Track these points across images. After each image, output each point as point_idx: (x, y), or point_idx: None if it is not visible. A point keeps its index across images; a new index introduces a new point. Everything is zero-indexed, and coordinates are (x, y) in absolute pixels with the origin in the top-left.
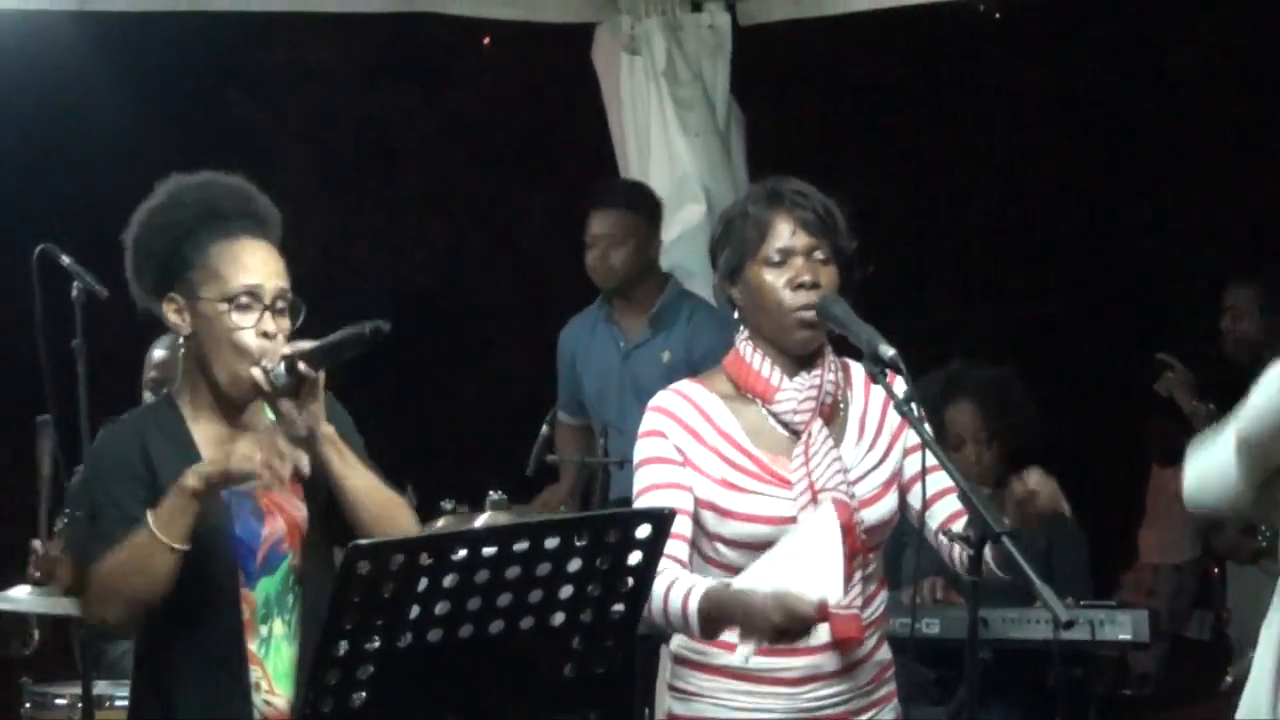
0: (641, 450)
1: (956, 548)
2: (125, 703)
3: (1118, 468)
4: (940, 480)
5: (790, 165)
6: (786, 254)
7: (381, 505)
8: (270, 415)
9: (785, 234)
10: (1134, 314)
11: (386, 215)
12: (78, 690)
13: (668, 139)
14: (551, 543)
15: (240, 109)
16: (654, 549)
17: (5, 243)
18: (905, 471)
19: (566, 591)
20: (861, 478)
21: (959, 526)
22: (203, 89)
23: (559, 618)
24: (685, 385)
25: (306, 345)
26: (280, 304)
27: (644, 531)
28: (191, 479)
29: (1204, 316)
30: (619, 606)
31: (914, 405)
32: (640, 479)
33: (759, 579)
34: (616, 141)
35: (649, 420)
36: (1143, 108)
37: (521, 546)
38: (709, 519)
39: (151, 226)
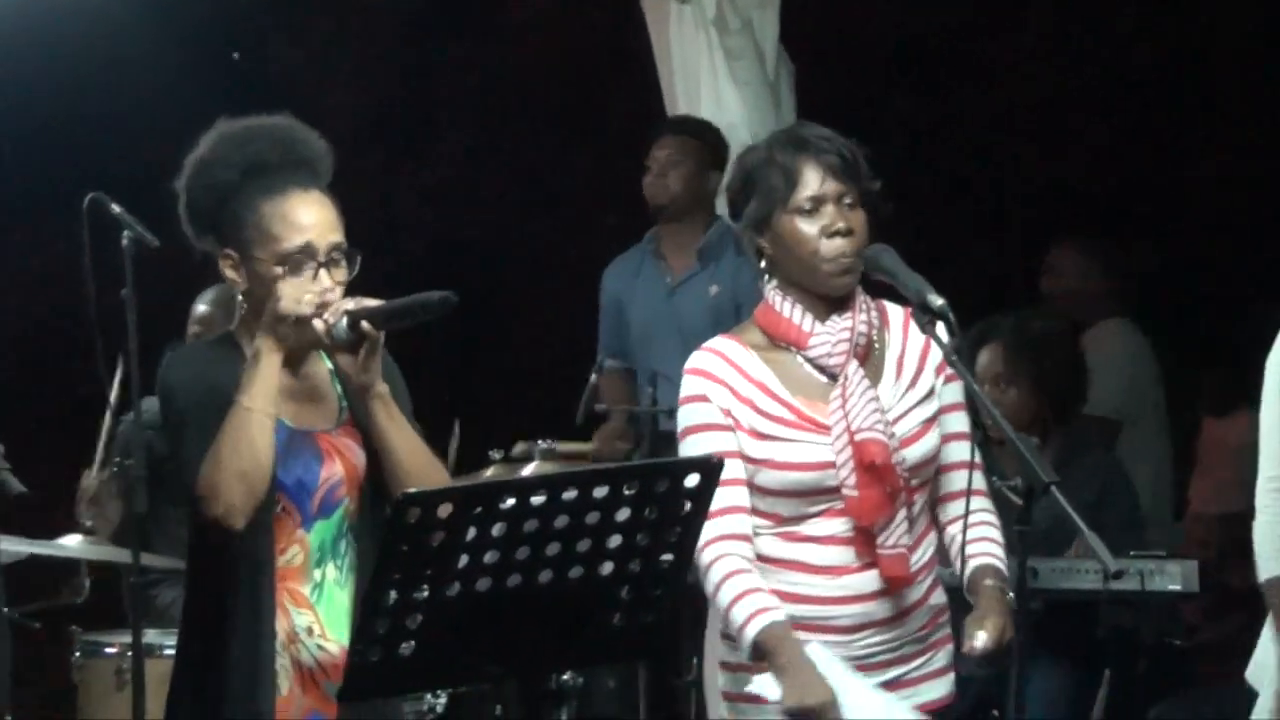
0: (687, 416)
1: (956, 538)
2: (173, 651)
3: (1175, 418)
4: (956, 452)
5: (839, 116)
6: (818, 202)
7: (420, 467)
8: (328, 363)
9: (814, 182)
10: (1195, 265)
11: (433, 168)
12: (127, 639)
13: (717, 88)
14: (600, 492)
15: (286, 62)
16: (703, 498)
17: (55, 195)
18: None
19: (615, 541)
20: (901, 417)
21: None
22: (248, 41)
23: (607, 567)
24: (718, 342)
25: (372, 304)
26: (335, 255)
27: (693, 481)
28: (260, 343)
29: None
30: (667, 556)
31: (961, 355)
32: (687, 448)
33: (827, 662)
34: (665, 92)
35: (690, 385)
36: (1197, 53)
37: (570, 496)
38: (748, 471)
39: (199, 182)
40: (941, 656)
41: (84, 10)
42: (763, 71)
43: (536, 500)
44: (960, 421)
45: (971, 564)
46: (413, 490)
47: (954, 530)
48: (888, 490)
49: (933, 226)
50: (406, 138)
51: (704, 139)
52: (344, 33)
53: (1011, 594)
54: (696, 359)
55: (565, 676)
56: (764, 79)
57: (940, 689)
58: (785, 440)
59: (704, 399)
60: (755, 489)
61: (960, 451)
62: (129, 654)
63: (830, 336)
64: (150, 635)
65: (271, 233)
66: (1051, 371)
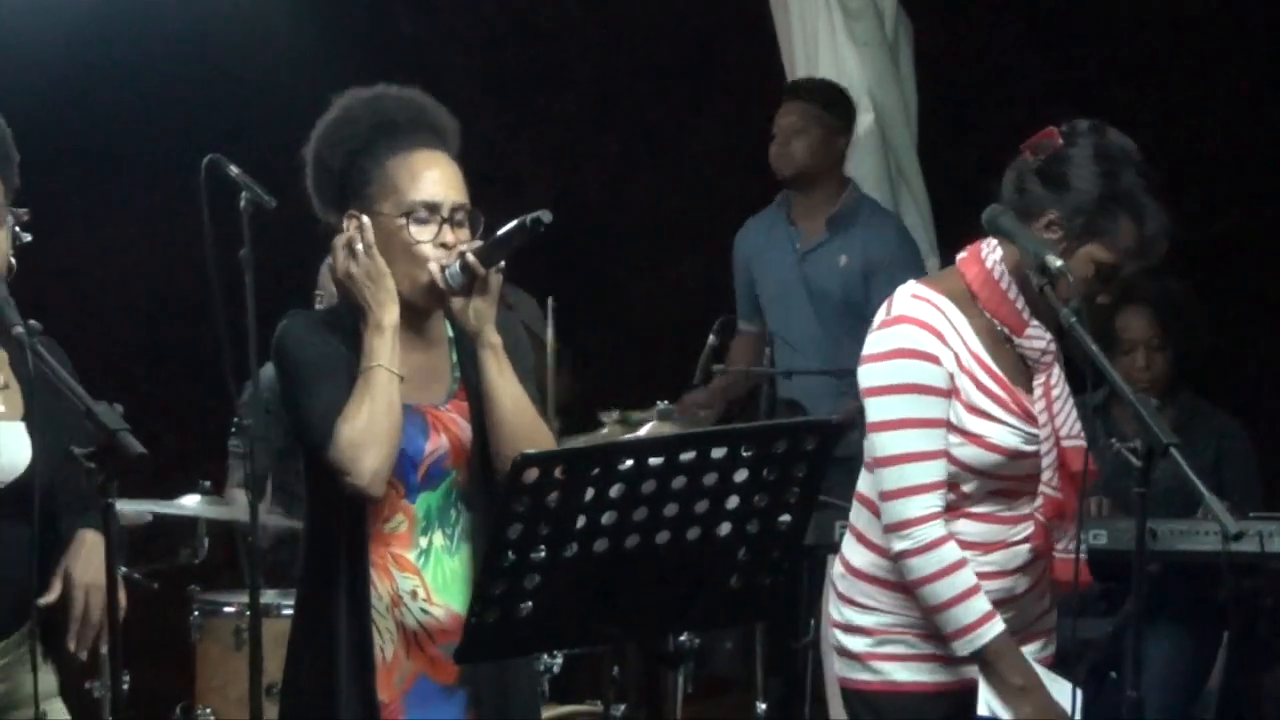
0: (910, 373)
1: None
2: (290, 612)
3: None
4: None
5: (958, 77)
6: (1114, 271)
7: (524, 424)
8: (449, 331)
9: (1119, 254)
10: None
11: (552, 129)
12: (245, 599)
13: (835, 49)
14: (718, 453)
15: (408, 25)
16: (821, 460)
17: (179, 160)
18: None
19: (733, 502)
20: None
21: None
22: (371, 10)
23: (725, 528)
24: (933, 295)
25: (476, 244)
26: (459, 216)
27: (811, 443)
28: (379, 315)
29: None
30: (785, 517)
31: (1081, 317)
32: (902, 407)
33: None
34: (784, 52)
35: (911, 336)
36: None
37: (688, 457)
38: (949, 443)
39: (328, 142)
40: (1050, 627)
41: None
42: (881, 31)
43: (654, 461)
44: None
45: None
46: (530, 451)
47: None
48: (1077, 494)
49: None
50: (526, 99)
51: (828, 104)
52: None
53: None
54: (916, 309)
55: (683, 638)
56: (883, 38)
57: (1048, 655)
58: (999, 422)
59: (934, 360)
60: (950, 460)
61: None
62: (247, 613)
63: (1045, 334)
64: (268, 595)
65: (397, 186)
66: (1193, 337)
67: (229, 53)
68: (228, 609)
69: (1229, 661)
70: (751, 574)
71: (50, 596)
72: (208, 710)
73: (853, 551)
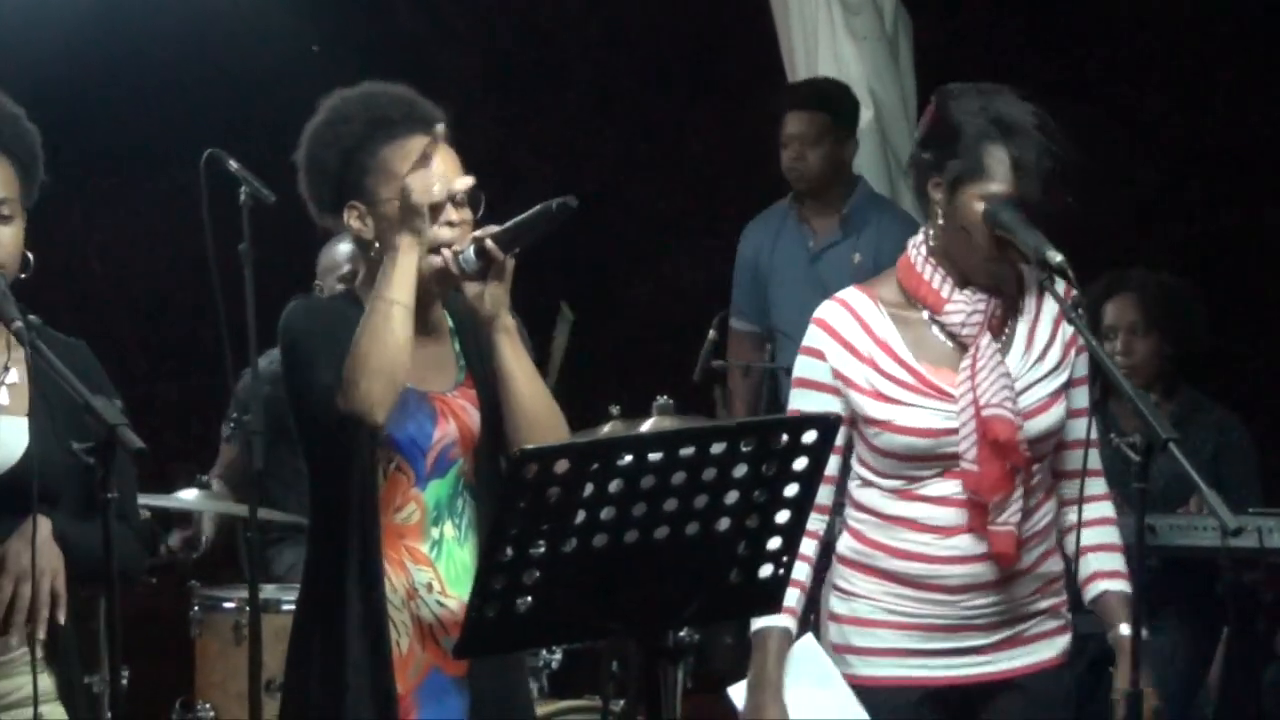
0: (800, 367)
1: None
2: (291, 606)
3: None
4: (1079, 429)
5: (957, 73)
6: (1007, 225)
7: (539, 410)
8: (450, 321)
9: (1008, 183)
10: None
11: (552, 124)
12: (245, 594)
13: (835, 44)
14: (718, 448)
15: (408, 22)
16: (820, 454)
17: (178, 155)
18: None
19: (732, 497)
20: (1027, 389)
21: None
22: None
23: (724, 523)
24: (849, 293)
25: (494, 229)
26: (459, 196)
27: (810, 437)
28: (398, 240)
29: None
30: (784, 512)
31: (1081, 311)
32: (793, 400)
33: (801, 699)
34: (784, 47)
35: (810, 335)
36: None
37: (688, 452)
38: (865, 431)
39: (321, 143)
40: (1053, 619)
41: None
42: (881, 25)
43: (654, 457)
44: (1084, 397)
45: (1096, 586)
46: (530, 447)
47: (1070, 516)
48: (1008, 467)
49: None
50: (525, 94)
51: (835, 111)
52: None
53: (1146, 632)
54: (824, 310)
55: (682, 633)
56: (882, 33)
57: (1051, 650)
58: (906, 404)
59: (819, 356)
60: (872, 449)
61: (1079, 428)
62: (247, 609)
63: (966, 306)
64: (268, 591)
65: (396, 172)
66: (1181, 325)
67: (228, 50)
68: (227, 604)
69: (1228, 657)
70: (751, 568)
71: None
72: (207, 705)
73: (840, 539)
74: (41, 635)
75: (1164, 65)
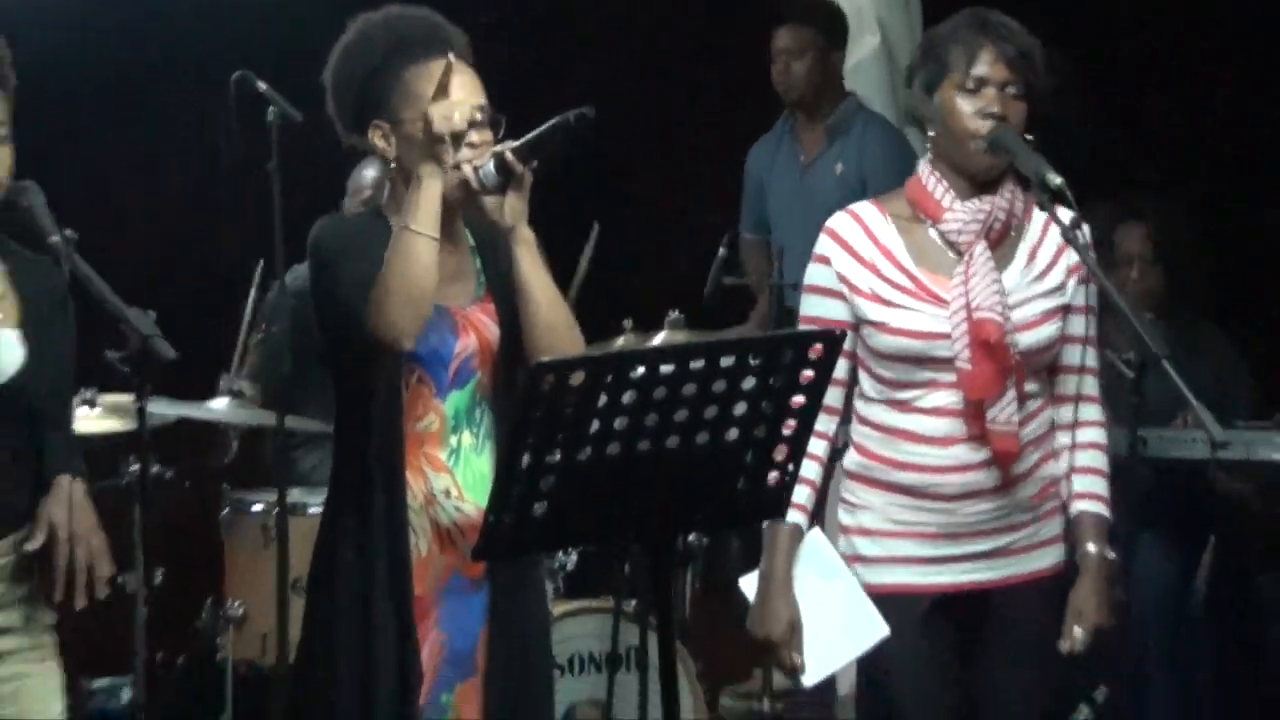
0: (809, 274)
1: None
2: (317, 510)
3: None
4: (1075, 355)
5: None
6: (981, 82)
7: (556, 321)
8: (471, 239)
9: (985, 63)
10: None
11: (570, 52)
12: (273, 497)
13: None
14: (727, 361)
15: None
16: (826, 367)
17: (204, 72)
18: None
19: (741, 408)
20: (1023, 303)
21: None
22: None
23: (733, 433)
24: (860, 206)
25: (513, 143)
26: (479, 116)
27: (816, 351)
28: (420, 169)
29: None
30: (791, 423)
31: (1081, 232)
32: (803, 305)
33: (809, 591)
34: None
35: (819, 243)
36: None
37: (698, 365)
38: (865, 333)
39: (347, 63)
40: (1051, 526)
41: None
42: None
43: (666, 369)
44: (1085, 326)
45: (1076, 505)
46: (546, 359)
47: (1063, 439)
48: (1000, 368)
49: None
50: (544, 27)
51: (819, 24)
52: None
53: (1112, 554)
54: (834, 220)
55: (691, 538)
56: None
57: (1049, 558)
58: (902, 307)
59: (825, 261)
60: (871, 352)
61: (1076, 355)
62: (274, 512)
63: (965, 214)
64: (294, 494)
65: (417, 92)
66: (1189, 257)
67: None
68: (256, 507)
69: (1215, 566)
70: (758, 477)
71: (34, 544)
72: (236, 604)
73: (846, 454)
74: (82, 603)
75: (1164, 65)
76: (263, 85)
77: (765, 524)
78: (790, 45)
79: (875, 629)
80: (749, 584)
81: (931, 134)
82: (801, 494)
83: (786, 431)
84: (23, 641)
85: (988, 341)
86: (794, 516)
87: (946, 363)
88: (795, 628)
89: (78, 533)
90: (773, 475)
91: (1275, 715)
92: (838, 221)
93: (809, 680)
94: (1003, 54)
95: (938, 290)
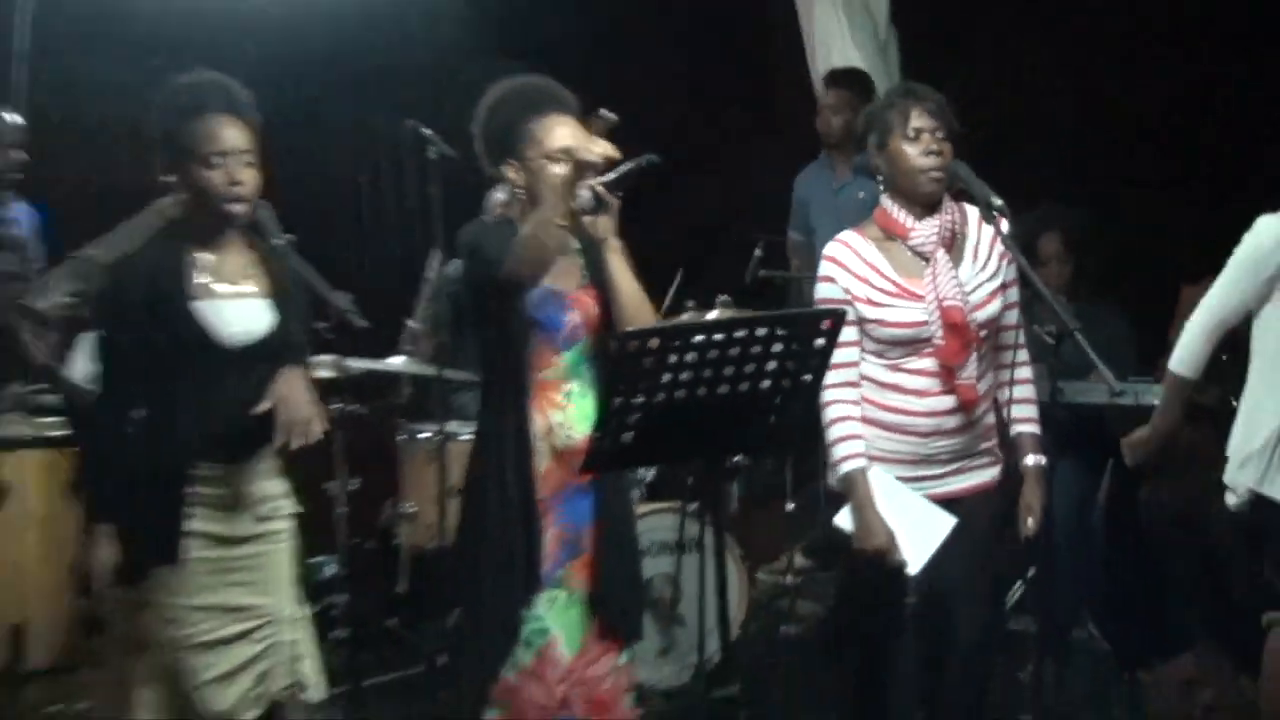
0: (819, 291)
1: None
2: (468, 437)
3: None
4: (1010, 316)
5: (934, 72)
6: (919, 131)
7: (637, 306)
8: (577, 243)
9: (917, 117)
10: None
11: (635, 76)
12: (436, 427)
13: (844, 49)
14: (761, 332)
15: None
16: (833, 336)
17: (373, 122)
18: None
19: (771, 365)
20: (975, 289)
21: None
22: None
23: (765, 383)
24: (847, 235)
25: (603, 179)
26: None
27: (826, 324)
28: (542, 209)
29: None
30: (807, 375)
31: (1014, 240)
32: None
33: (890, 509)
34: (807, 48)
35: (823, 267)
36: None
37: (740, 334)
38: (867, 327)
39: (491, 116)
40: (988, 456)
41: None
42: (876, 39)
43: (717, 337)
44: (1014, 294)
45: (1016, 428)
46: (631, 329)
47: (1005, 376)
48: (964, 341)
49: (1043, 160)
50: (601, 60)
51: (855, 90)
52: None
53: (1043, 458)
54: (830, 248)
55: (736, 459)
56: (877, 44)
57: (989, 474)
58: (891, 306)
59: (831, 280)
60: (870, 338)
61: (1012, 316)
62: (437, 437)
63: (925, 230)
64: (451, 425)
65: (540, 140)
66: (1090, 251)
67: (407, 46)
68: (422, 434)
69: (1112, 483)
70: (783, 415)
71: (261, 408)
72: (409, 504)
73: None
74: (298, 443)
75: (1164, 65)
76: (426, 131)
77: (840, 474)
78: (833, 103)
79: (945, 522)
80: (844, 518)
81: (882, 178)
82: (859, 445)
83: (804, 380)
84: (279, 525)
85: (955, 323)
86: (860, 463)
87: (926, 341)
88: (891, 536)
89: (294, 399)
90: (794, 412)
91: (1152, 586)
92: (834, 249)
93: (913, 569)
94: (928, 109)
95: (914, 289)
